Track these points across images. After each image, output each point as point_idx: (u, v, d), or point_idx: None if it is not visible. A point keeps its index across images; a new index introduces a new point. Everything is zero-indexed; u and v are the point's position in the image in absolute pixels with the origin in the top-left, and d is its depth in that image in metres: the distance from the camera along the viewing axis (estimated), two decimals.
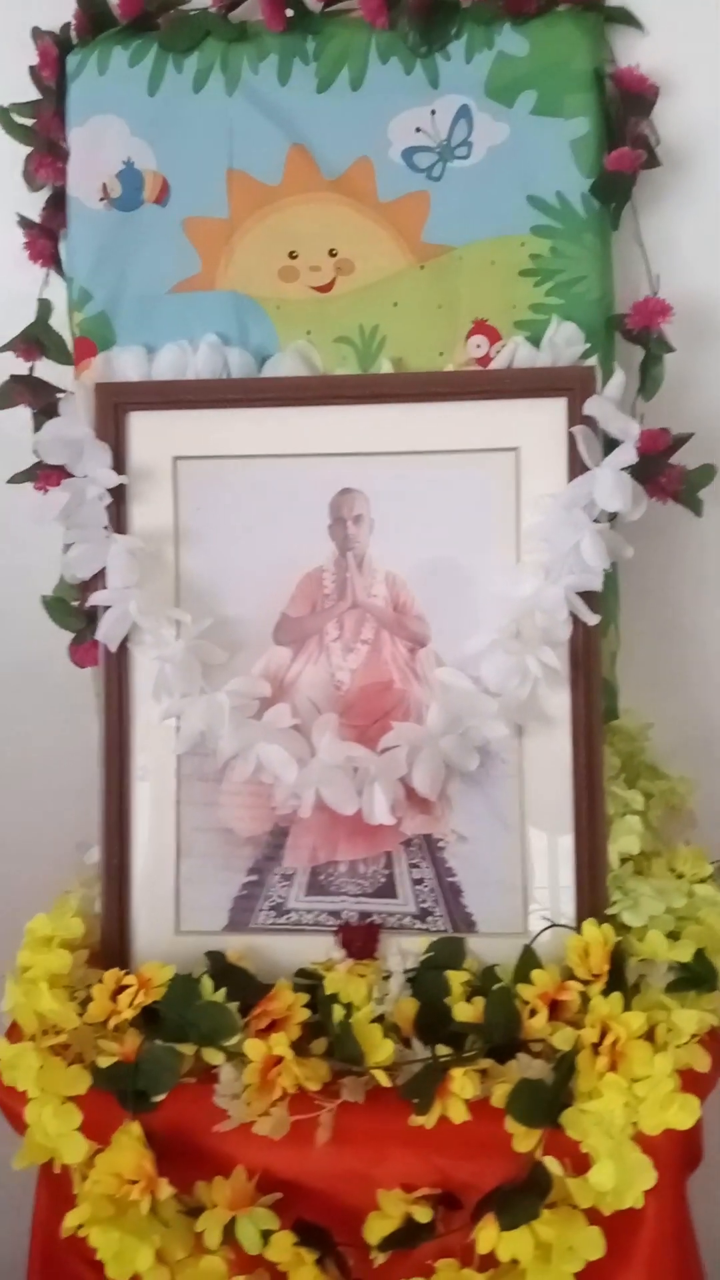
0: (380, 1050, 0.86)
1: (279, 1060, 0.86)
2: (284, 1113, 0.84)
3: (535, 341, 1.00)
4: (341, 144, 1.01)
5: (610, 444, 0.96)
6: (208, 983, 0.91)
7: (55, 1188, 0.89)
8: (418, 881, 0.98)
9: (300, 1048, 0.88)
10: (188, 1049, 0.88)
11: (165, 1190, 0.83)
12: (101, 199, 1.03)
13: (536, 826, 0.97)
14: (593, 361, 0.99)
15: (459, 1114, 0.82)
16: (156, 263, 1.03)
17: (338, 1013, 0.89)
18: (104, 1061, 0.87)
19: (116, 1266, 0.82)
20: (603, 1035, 0.85)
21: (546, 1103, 0.83)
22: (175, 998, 0.90)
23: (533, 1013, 0.89)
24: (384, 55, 1.01)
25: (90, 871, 1.03)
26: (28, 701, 1.19)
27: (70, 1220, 0.83)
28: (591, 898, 0.95)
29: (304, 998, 0.91)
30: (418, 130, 1.01)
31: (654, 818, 1.04)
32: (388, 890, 0.98)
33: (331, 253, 1.02)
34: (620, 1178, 0.82)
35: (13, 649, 1.17)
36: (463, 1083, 0.82)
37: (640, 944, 0.93)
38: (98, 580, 0.98)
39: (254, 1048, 0.86)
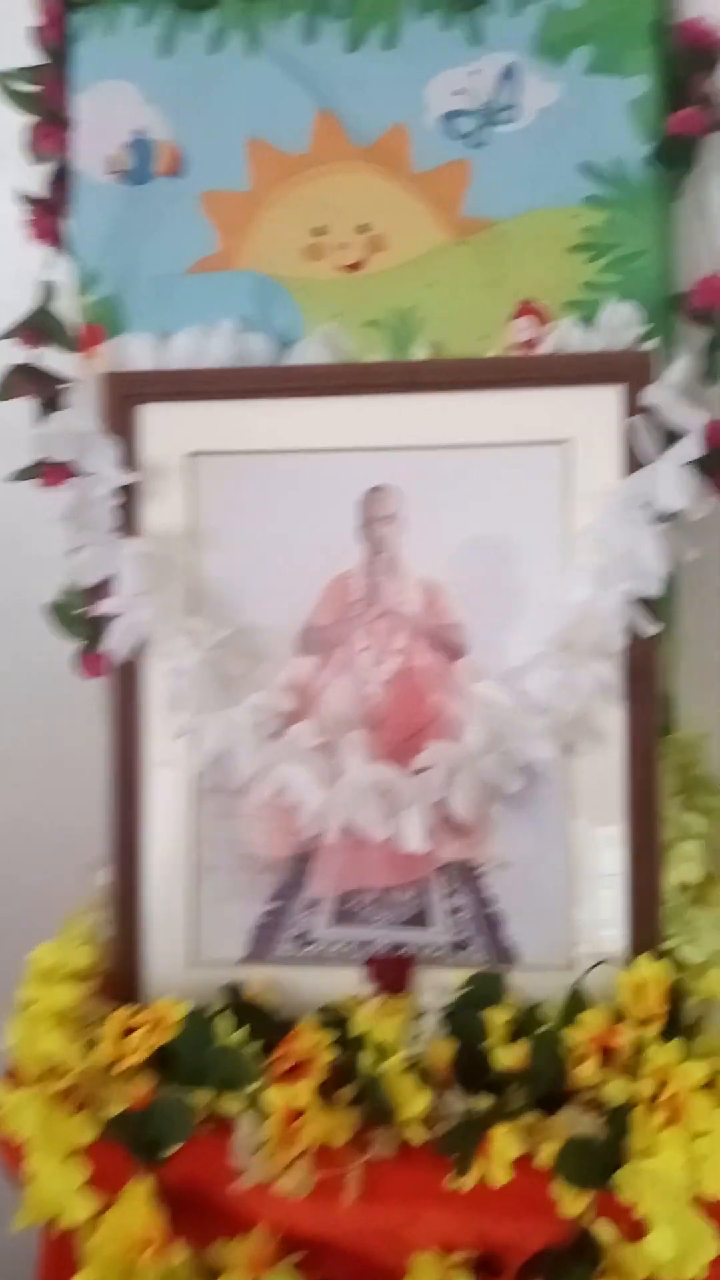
0: (414, 1103, 0.79)
1: (302, 1111, 0.79)
2: (307, 1170, 0.77)
3: (588, 323, 0.92)
4: (373, 108, 0.94)
5: (670, 436, 0.87)
6: (224, 1023, 0.84)
7: (59, 1243, 0.83)
8: (454, 910, 0.90)
9: (326, 1093, 0.81)
10: (203, 1096, 0.81)
11: (179, 1254, 0.77)
12: (110, 172, 0.97)
13: (585, 852, 0.89)
14: (652, 345, 0.90)
15: (501, 1176, 0.75)
16: (171, 241, 0.97)
17: (367, 1059, 0.82)
18: (112, 1110, 0.80)
19: None
20: (660, 1087, 0.78)
21: (598, 1163, 0.76)
22: (189, 1039, 0.84)
23: (581, 1059, 0.81)
24: (420, 9, 0.93)
25: (100, 893, 0.97)
26: (37, 706, 1.12)
27: None
28: (646, 930, 0.88)
29: (329, 1037, 0.84)
30: (458, 92, 0.93)
31: (711, 837, 0.96)
32: (421, 919, 0.91)
33: (362, 228, 0.95)
34: (680, 1246, 0.74)
35: (23, 649, 1.10)
36: (505, 1143, 0.75)
37: (700, 982, 0.85)
38: (106, 586, 0.91)
39: (275, 1097, 0.79)
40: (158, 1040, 0.83)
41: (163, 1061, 0.83)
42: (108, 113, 0.96)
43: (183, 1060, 0.83)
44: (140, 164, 0.96)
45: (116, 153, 0.96)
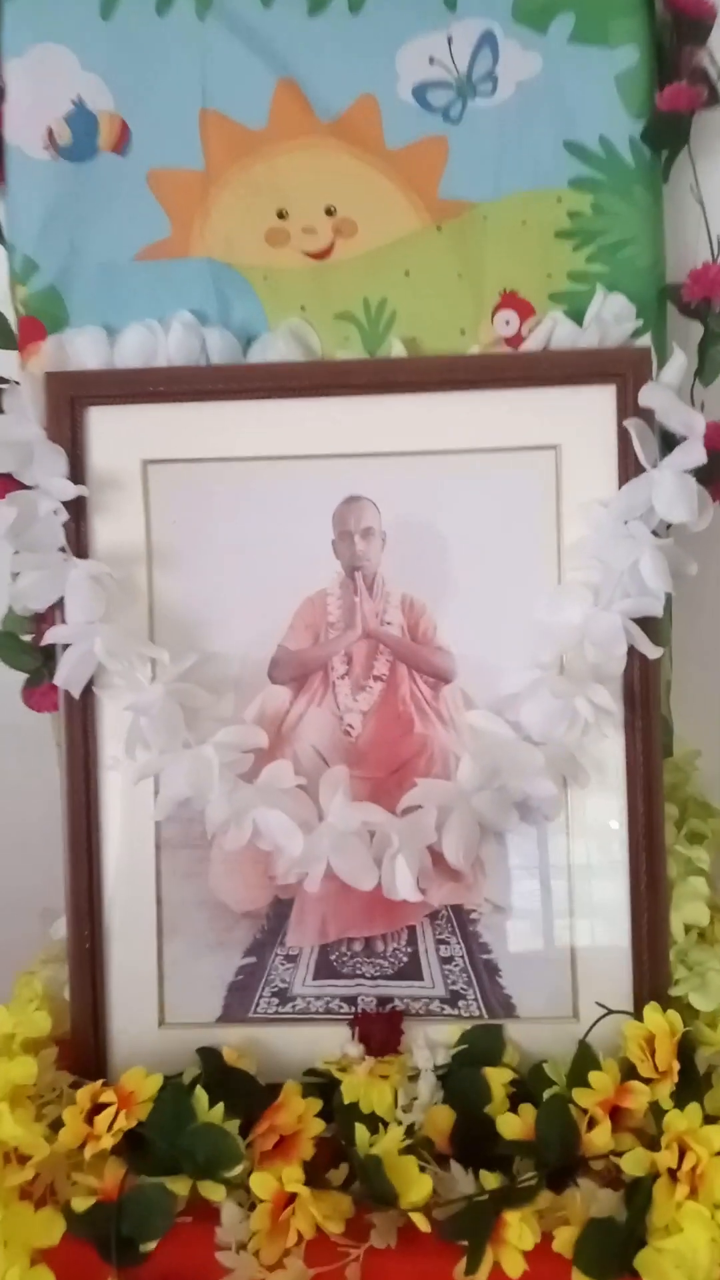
0: (417, 1187, 0.72)
1: (293, 1197, 0.71)
2: (301, 1266, 0.70)
3: (576, 317, 0.85)
4: (339, 78, 0.86)
5: (666, 439, 0.81)
6: (202, 1096, 0.76)
7: None
8: (446, 960, 0.84)
9: (316, 1171, 0.74)
10: (181, 1184, 0.73)
11: None
12: (47, 147, 0.87)
13: (585, 893, 0.83)
14: (646, 341, 0.84)
15: (515, 1267, 0.68)
16: (116, 225, 0.87)
17: (361, 1137, 0.75)
18: (80, 1204, 0.72)
19: None
20: (681, 1156, 0.72)
21: (619, 1245, 0.69)
22: (164, 1118, 0.76)
23: (591, 1123, 0.75)
24: None
25: (57, 947, 0.89)
26: None
27: None
28: (652, 976, 0.82)
29: (316, 1104, 0.78)
30: (432, 61, 0.85)
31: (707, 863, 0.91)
32: (411, 971, 0.84)
33: (329, 211, 0.87)
34: None
35: None
36: (520, 1231, 0.68)
37: (712, 1032, 0.80)
38: (55, 612, 0.83)
39: (262, 1184, 0.72)
40: (129, 1121, 0.75)
41: (135, 1143, 0.75)
42: (43, 81, 0.86)
43: (158, 1141, 0.75)
44: (81, 138, 0.86)
45: (54, 126, 0.86)
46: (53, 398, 0.83)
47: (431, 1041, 0.82)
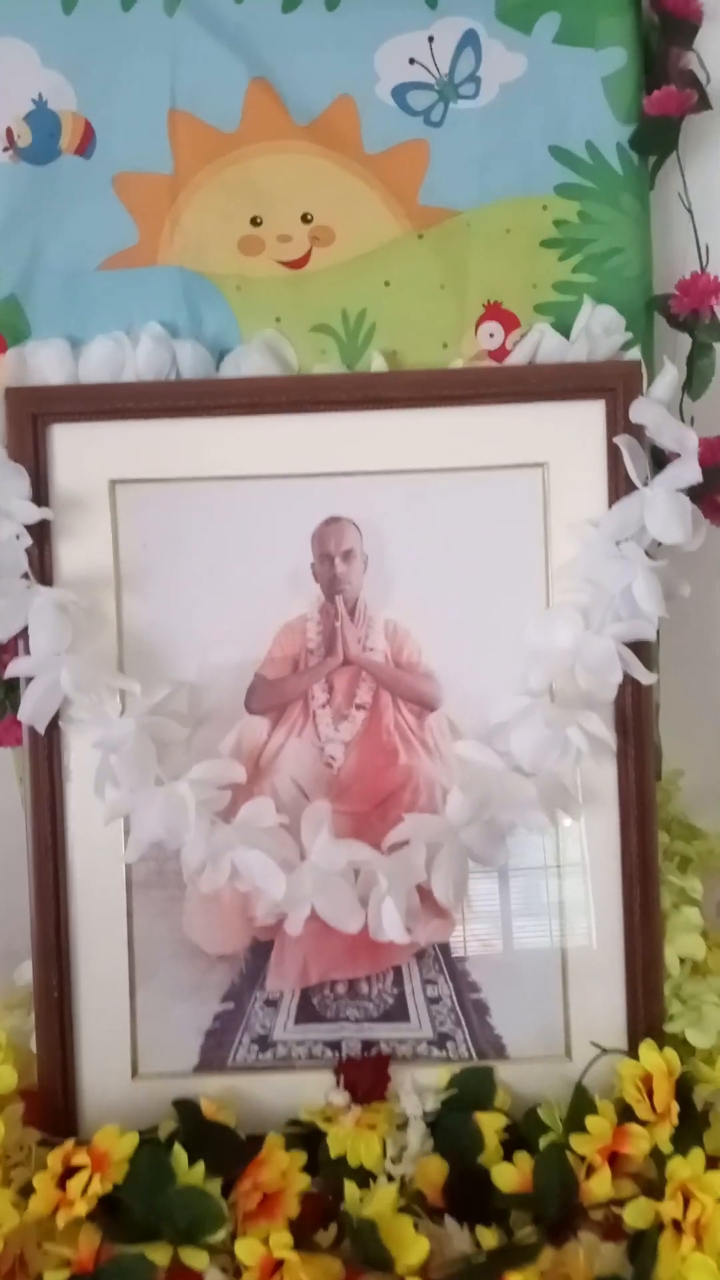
0: (413, 1250, 0.68)
1: (280, 1263, 0.68)
2: None
3: (563, 329, 0.83)
4: (315, 78, 0.82)
5: (656, 456, 0.79)
6: (181, 1155, 0.72)
7: None
8: (434, 1000, 0.80)
9: (303, 1231, 0.70)
10: (161, 1252, 0.69)
11: None
12: (6, 149, 0.83)
13: (577, 927, 0.80)
14: (636, 354, 0.81)
15: None
16: (80, 231, 0.83)
17: (351, 1195, 0.71)
18: (53, 1276, 0.68)
19: None
20: (685, 1205, 0.69)
21: None
22: (141, 1180, 0.72)
23: (590, 1170, 0.72)
24: None
25: (21, 993, 0.84)
26: None
27: None
28: (647, 1012, 0.80)
29: (301, 1158, 0.74)
30: (412, 62, 0.83)
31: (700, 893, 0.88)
32: (397, 1012, 0.80)
33: (305, 218, 0.83)
34: None
35: None
36: None
37: (709, 1069, 0.77)
38: (18, 643, 0.78)
39: (248, 1250, 0.68)
40: (104, 1185, 0.71)
41: (110, 1208, 0.71)
42: (2, 78, 0.82)
43: (135, 1206, 0.71)
44: (42, 139, 0.82)
45: (13, 125, 0.82)
46: (13, 415, 0.79)
47: (420, 1086, 0.79)
